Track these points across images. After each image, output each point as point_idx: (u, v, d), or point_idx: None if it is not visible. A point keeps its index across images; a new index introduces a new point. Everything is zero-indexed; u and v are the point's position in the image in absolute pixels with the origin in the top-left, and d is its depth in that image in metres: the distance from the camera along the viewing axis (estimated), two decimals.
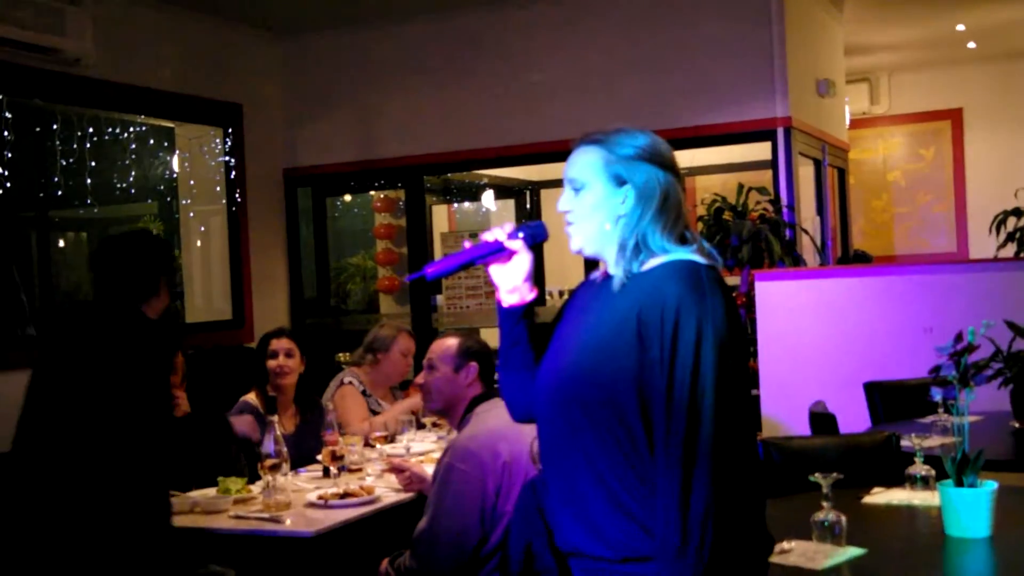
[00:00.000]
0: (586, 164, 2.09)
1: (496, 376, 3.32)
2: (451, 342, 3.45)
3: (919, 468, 2.97)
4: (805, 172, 7.21)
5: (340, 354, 7.19)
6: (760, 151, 6.86)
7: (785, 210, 6.49)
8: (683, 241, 2.04)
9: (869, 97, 10.19)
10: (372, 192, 8.39)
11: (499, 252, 2.13)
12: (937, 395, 2.59)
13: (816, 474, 2.53)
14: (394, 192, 8.16)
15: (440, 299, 7.68)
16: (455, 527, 3.11)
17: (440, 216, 9.12)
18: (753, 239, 6.24)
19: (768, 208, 6.50)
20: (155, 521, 3.05)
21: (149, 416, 3.01)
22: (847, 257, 8.05)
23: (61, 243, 7.75)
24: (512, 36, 7.26)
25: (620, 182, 2.05)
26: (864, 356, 5.52)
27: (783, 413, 5.73)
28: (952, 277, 5.54)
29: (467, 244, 2.16)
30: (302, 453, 4.16)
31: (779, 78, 6.51)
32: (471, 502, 3.12)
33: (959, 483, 2.57)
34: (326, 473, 3.94)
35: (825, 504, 2.54)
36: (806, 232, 6.64)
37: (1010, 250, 7.20)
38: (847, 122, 8.79)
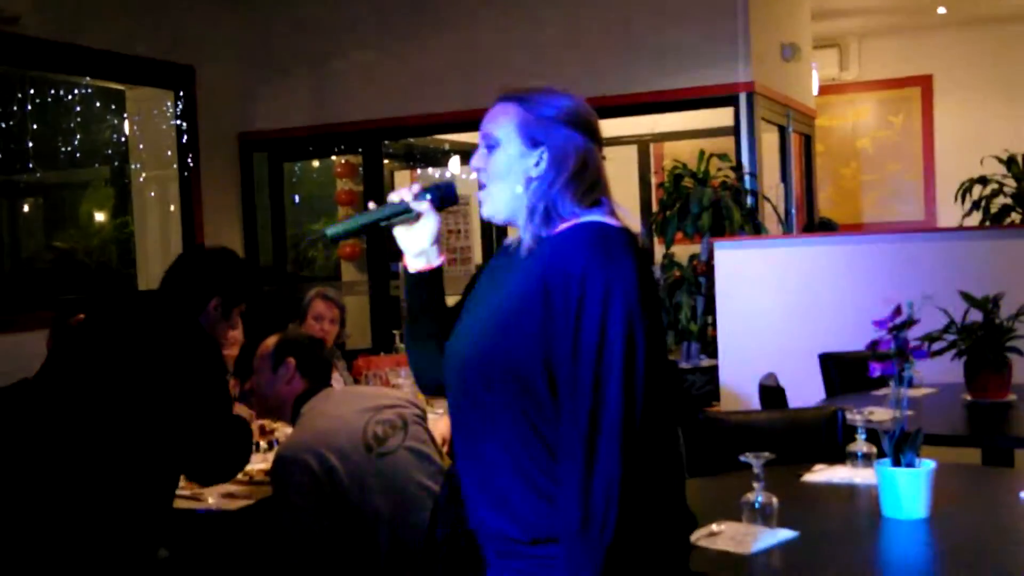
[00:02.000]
0: (501, 122, 1.96)
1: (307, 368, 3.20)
2: (269, 341, 3.31)
3: (861, 445, 2.86)
4: (769, 139, 7.09)
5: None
6: (723, 117, 6.74)
7: (747, 177, 6.37)
8: (595, 205, 1.92)
9: (838, 63, 10.06)
10: (333, 157, 8.23)
11: (405, 214, 2.01)
12: (876, 371, 2.47)
13: (747, 453, 2.42)
14: (355, 157, 8.01)
15: (401, 265, 7.54)
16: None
17: (403, 182, 8.96)
18: (714, 207, 6.14)
19: (730, 175, 6.38)
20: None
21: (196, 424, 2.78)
22: (812, 225, 7.95)
23: (7, 208, 7.56)
24: (469, 1, 7.08)
25: (535, 143, 1.93)
26: (825, 327, 5.41)
27: (742, 385, 5.63)
28: (915, 246, 5.43)
29: (371, 205, 2.04)
30: None
31: (742, 42, 6.38)
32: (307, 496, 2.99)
33: (896, 462, 2.47)
34: (271, 447, 3.82)
35: (756, 485, 2.43)
36: (768, 200, 6.53)
37: (975, 219, 7.13)
38: (815, 88, 8.67)
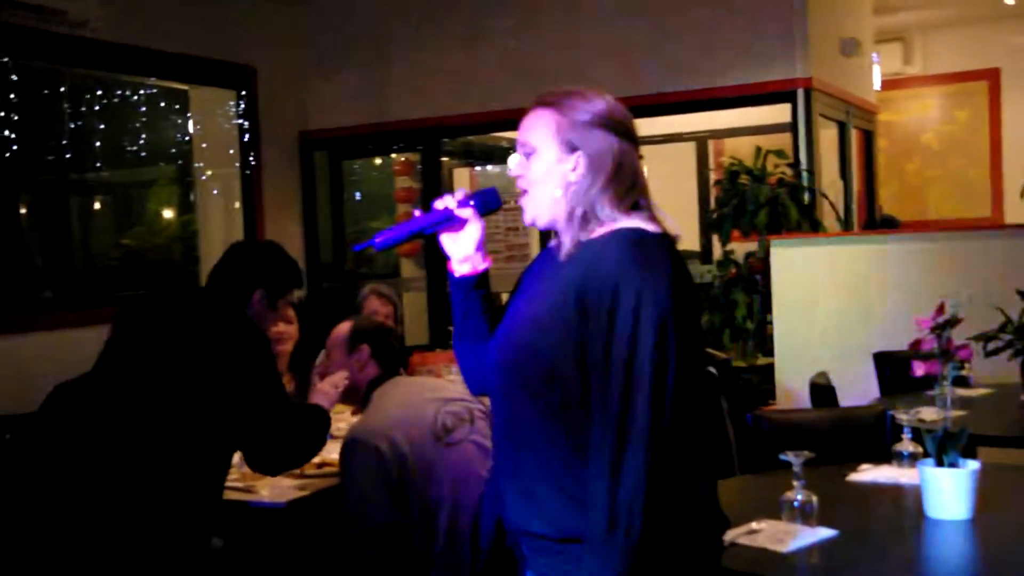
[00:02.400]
0: (538, 128, 2.00)
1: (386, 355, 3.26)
2: (344, 326, 3.38)
3: (906, 445, 2.85)
4: (828, 135, 7.02)
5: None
6: (781, 113, 6.69)
7: (804, 174, 6.32)
8: (635, 209, 1.94)
9: (902, 57, 9.90)
10: (393, 155, 8.31)
11: (450, 221, 2.06)
12: (919, 370, 2.46)
13: (788, 452, 2.42)
14: (414, 155, 8.08)
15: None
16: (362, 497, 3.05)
17: (462, 180, 9.01)
18: (770, 204, 6.10)
19: (787, 172, 6.34)
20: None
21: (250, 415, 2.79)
22: (873, 222, 7.86)
23: (77, 206, 7.75)
24: None
25: (571, 148, 1.96)
26: (882, 325, 5.36)
27: (798, 383, 5.60)
28: (979, 243, 5.36)
29: (417, 213, 2.09)
30: None
31: (799, 38, 6.32)
32: (376, 480, 3.04)
33: (939, 462, 2.46)
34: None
35: (795, 483, 2.43)
36: (825, 196, 6.47)
37: None
38: (877, 83, 8.55)
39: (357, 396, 3.35)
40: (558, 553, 1.89)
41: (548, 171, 1.96)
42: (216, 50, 7.03)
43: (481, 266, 2.09)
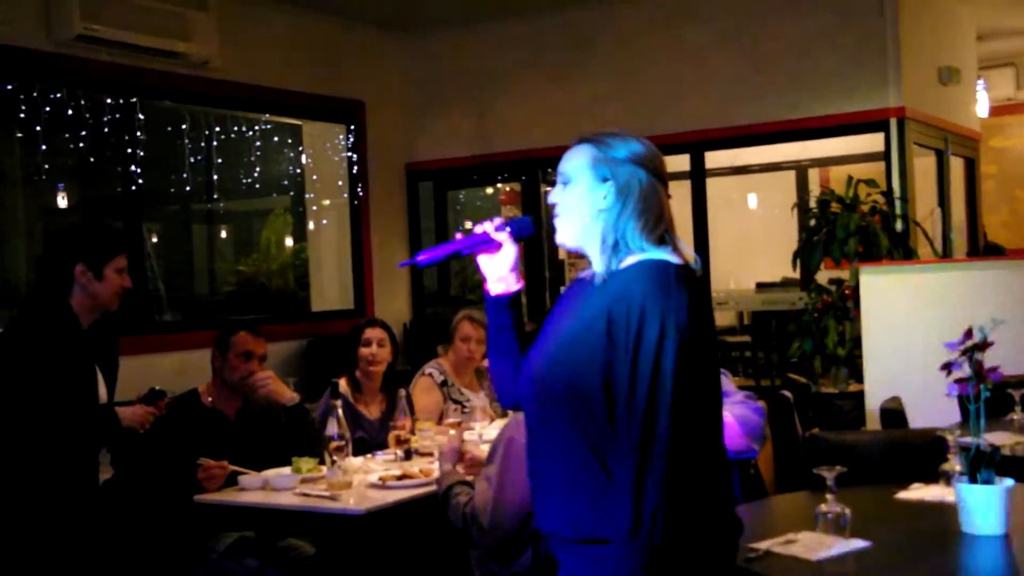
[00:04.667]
0: (575, 160, 2.19)
1: None
2: None
3: (954, 465, 2.93)
4: (924, 163, 7.02)
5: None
6: (877, 142, 6.73)
7: (898, 202, 6.35)
8: (662, 243, 2.11)
9: (1015, 82, 9.76)
10: (499, 185, 8.57)
11: (487, 243, 2.25)
12: (953, 391, 2.56)
13: (821, 467, 2.55)
14: (517, 184, 8.33)
15: (563, 289, 7.81)
16: (518, 497, 3.22)
17: None
18: (861, 232, 6.15)
19: (880, 200, 6.37)
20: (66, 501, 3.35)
21: (38, 409, 3.26)
22: (976, 249, 7.78)
23: (198, 236, 8.21)
24: (625, 31, 7.32)
25: (603, 179, 2.14)
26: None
27: None
28: None
29: (458, 236, 2.29)
30: (385, 438, 4.35)
31: (892, 67, 6.38)
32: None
33: (973, 479, 2.55)
34: (408, 456, 4.13)
35: (829, 496, 2.56)
36: (918, 225, 6.47)
37: None
38: (984, 110, 8.47)
39: None
40: (581, 554, 2.07)
41: (581, 199, 2.15)
42: (327, 86, 7.42)
43: (515, 286, 2.28)
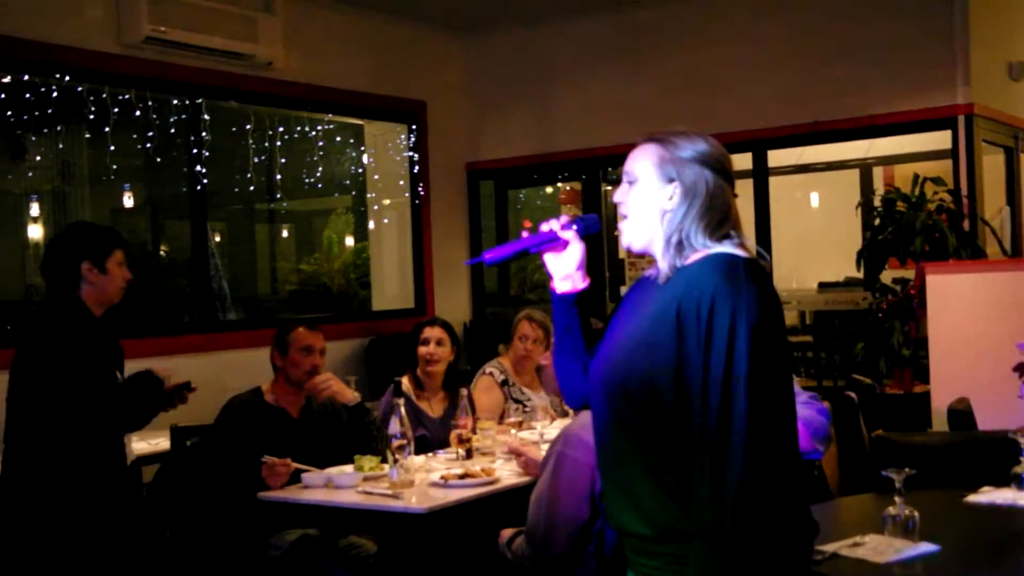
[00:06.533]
0: (642, 160, 2.17)
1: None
2: None
3: None
4: (993, 160, 6.89)
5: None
6: (944, 140, 6.62)
7: (965, 201, 6.24)
8: (726, 239, 2.09)
9: None
10: (559, 184, 8.57)
11: (553, 242, 2.24)
12: None
13: (889, 469, 2.52)
14: (577, 183, 8.32)
15: (623, 290, 7.80)
16: (570, 512, 3.23)
17: None
18: (927, 231, 6.05)
19: (946, 198, 6.27)
20: (106, 475, 3.49)
21: (83, 394, 3.39)
22: None
23: (261, 235, 8.31)
24: (687, 29, 7.28)
25: (669, 179, 2.12)
26: None
27: None
28: None
29: (524, 234, 2.28)
30: (446, 436, 4.37)
31: (960, 63, 6.26)
32: (582, 487, 3.23)
33: None
34: (469, 455, 4.14)
35: (897, 499, 2.52)
36: (987, 223, 6.35)
37: None
38: None
39: None
40: (660, 554, 2.06)
41: (647, 198, 2.13)
42: (389, 87, 7.46)
43: (581, 284, 2.27)
